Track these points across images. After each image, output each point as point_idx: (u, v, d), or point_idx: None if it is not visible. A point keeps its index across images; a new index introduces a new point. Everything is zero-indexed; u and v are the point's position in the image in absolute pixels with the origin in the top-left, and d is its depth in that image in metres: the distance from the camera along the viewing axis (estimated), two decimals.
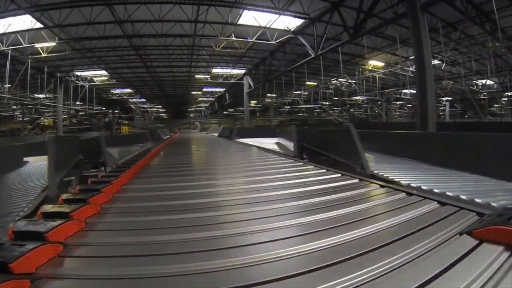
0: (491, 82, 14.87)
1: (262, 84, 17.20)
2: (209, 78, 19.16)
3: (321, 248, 0.95)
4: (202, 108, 37.96)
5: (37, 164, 3.81)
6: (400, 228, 1.10)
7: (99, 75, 17.87)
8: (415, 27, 5.97)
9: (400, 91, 18.49)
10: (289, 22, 10.35)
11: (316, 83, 19.35)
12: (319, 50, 10.26)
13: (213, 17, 9.75)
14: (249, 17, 9.73)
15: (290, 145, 4.09)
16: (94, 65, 15.55)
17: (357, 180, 2.01)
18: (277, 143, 5.70)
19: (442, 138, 3.62)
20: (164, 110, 39.46)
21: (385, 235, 1.04)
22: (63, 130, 18.65)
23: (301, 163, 3.00)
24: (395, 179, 2.03)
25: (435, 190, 1.74)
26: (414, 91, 19.22)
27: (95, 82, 18.42)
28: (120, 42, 12.09)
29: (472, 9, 8.28)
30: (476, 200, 1.58)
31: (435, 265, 0.79)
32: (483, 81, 14.71)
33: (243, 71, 18.22)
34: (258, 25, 10.14)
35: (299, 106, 25.98)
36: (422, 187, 1.85)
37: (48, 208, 1.26)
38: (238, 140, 7.89)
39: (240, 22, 10.00)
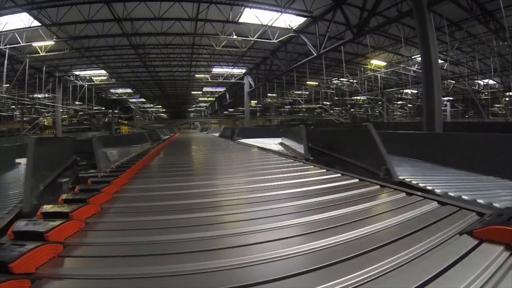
0: (493, 82, 14.87)
1: (263, 84, 17.14)
2: (209, 78, 19.09)
3: (321, 248, 0.95)
4: (202, 108, 37.96)
5: None
6: (400, 228, 1.10)
7: (98, 74, 17.81)
8: (421, 25, 5.85)
9: (401, 90, 18.48)
10: (291, 21, 10.26)
11: (317, 83, 19.32)
12: (322, 49, 10.17)
13: (214, 15, 9.65)
14: (250, 15, 9.62)
15: (298, 146, 3.83)
16: (93, 65, 15.47)
17: (357, 180, 2.01)
18: (283, 144, 5.47)
19: (470, 138, 3.33)
20: (164, 110, 39.43)
21: (385, 235, 1.04)
22: (63, 130, 18.64)
23: (301, 163, 3.00)
24: (428, 187, 1.87)
25: (480, 201, 1.63)
26: (416, 91, 19.30)
27: (94, 81, 18.37)
28: (119, 41, 11.97)
29: (476, 7, 8.19)
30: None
31: (435, 265, 0.79)
32: (485, 81, 14.70)
33: (243, 71, 18.16)
34: (260, 23, 10.03)
35: (299, 106, 25.96)
36: (463, 197, 1.75)
37: (48, 208, 1.26)
38: (240, 140, 7.69)
39: (241, 20, 9.90)
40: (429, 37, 5.75)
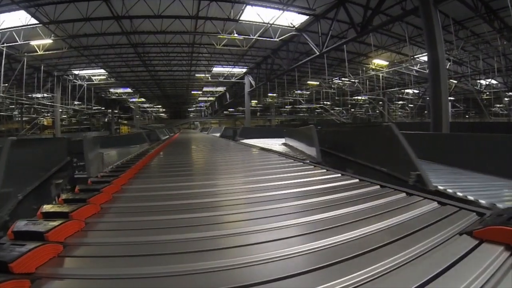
0: (495, 82, 14.85)
1: (264, 84, 17.06)
2: (209, 77, 19.03)
3: (321, 248, 0.95)
4: (202, 108, 37.92)
5: None
6: (400, 228, 1.10)
7: (97, 73, 17.72)
8: (428, 23, 5.70)
9: (402, 90, 18.46)
10: (293, 19, 10.13)
11: (318, 82, 19.28)
12: (324, 48, 10.05)
13: (215, 12, 9.52)
14: (252, 13, 9.47)
15: (307, 148, 3.63)
16: (92, 64, 15.34)
17: (357, 180, 2.01)
18: (287, 145, 5.22)
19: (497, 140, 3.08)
20: (163, 110, 39.40)
21: (385, 235, 1.04)
22: (62, 130, 18.61)
23: (301, 163, 3.00)
24: (468, 196, 1.64)
25: None
26: (417, 91, 19.25)
27: (93, 81, 18.27)
28: (118, 39, 11.77)
29: (481, 6, 8.09)
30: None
31: (435, 265, 0.79)
32: (488, 81, 14.66)
33: (244, 70, 18.08)
34: (261, 21, 9.89)
35: (300, 106, 25.95)
36: None
37: (48, 208, 1.26)
38: (242, 141, 7.44)
39: (242, 18, 9.74)
40: (436, 35, 5.58)
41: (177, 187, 1.96)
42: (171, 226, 1.20)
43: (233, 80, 19.21)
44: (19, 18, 8.83)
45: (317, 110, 24.16)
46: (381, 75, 15.37)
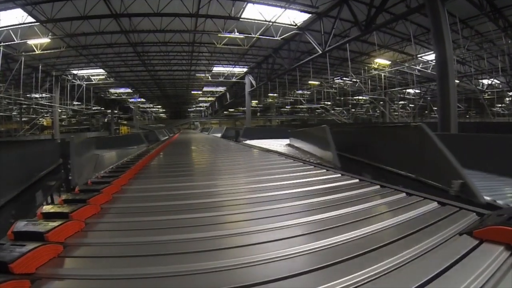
0: (497, 82, 14.81)
1: (265, 83, 16.94)
2: (209, 77, 18.95)
3: (322, 248, 0.95)
4: (202, 108, 37.91)
5: None
6: (400, 228, 1.10)
7: (96, 73, 17.63)
8: (435, 20, 5.59)
9: (403, 90, 18.41)
10: (295, 18, 9.98)
11: (319, 82, 19.23)
12: (326, 46, 9.91)
13: (215, 10, 9.35)
14: (253, 11, 9.31)
15: (321, 151, 3.36)
16: (90, 63, 15.18)
17: (357, 180, 2.01)
18: (293, 146, 4.97)
19: None
20: (163, 110, 39.37)
21: (385, 235, 1.04)
22: (61, 130, 18.58)
23: (301, 163, 3.00)
24: None
25: None
26: (419, 91, 19.17)
27: (92, 81, 18.19)
28: (117, 38, 11.55)
29: (486, 4, 7.99)
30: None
31: (435, 265, 0.79)
32: (491, 80, 14.61)
33: (245, 69, 17.97)
34: (263, 19, 9.73)
35: (300, 106, 25.93)
36: None
37: (48, 208, 1.26)
38: (246, 142, 7.04)
39: (243, 16, 9.57)
40: (443, 32, 5.45)
41: (177, 188, 1.96)
42: (171, 226, 1.20)
43: (233, 79, 19.13)
44: (16, 16, 8.66)
45: (317, 110, 24.16)
46: (383, 74, 15.33)
